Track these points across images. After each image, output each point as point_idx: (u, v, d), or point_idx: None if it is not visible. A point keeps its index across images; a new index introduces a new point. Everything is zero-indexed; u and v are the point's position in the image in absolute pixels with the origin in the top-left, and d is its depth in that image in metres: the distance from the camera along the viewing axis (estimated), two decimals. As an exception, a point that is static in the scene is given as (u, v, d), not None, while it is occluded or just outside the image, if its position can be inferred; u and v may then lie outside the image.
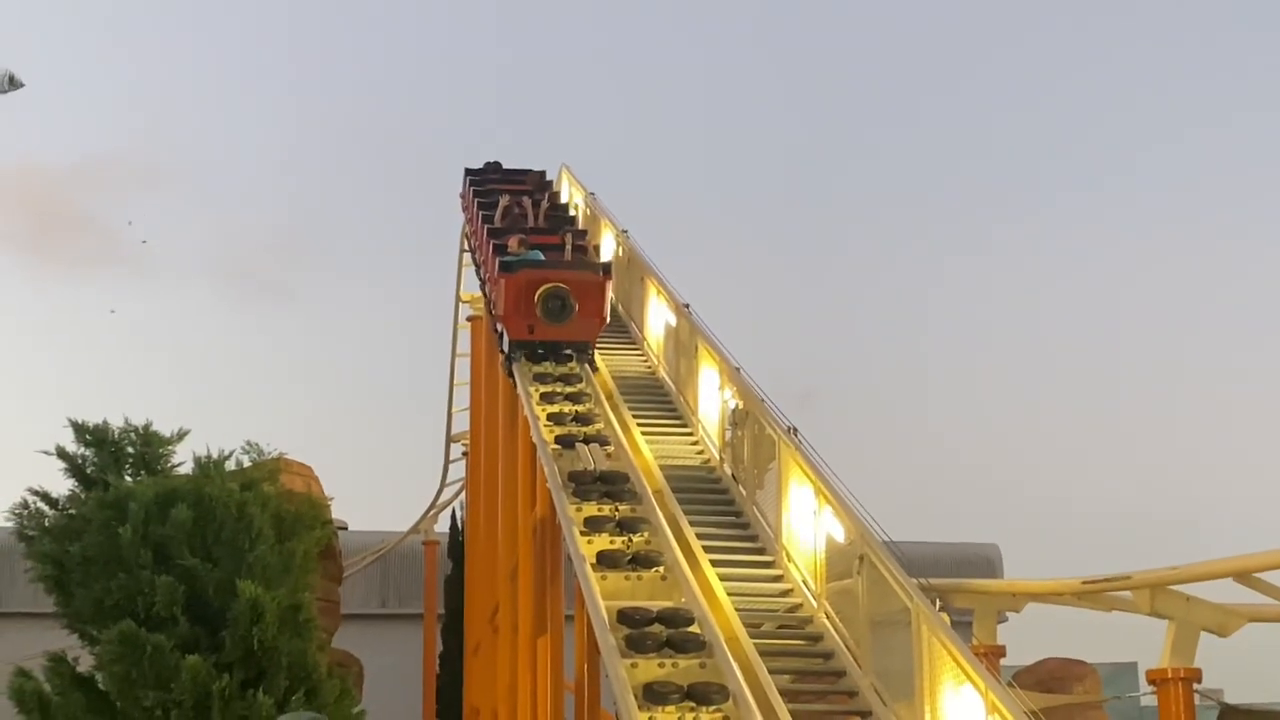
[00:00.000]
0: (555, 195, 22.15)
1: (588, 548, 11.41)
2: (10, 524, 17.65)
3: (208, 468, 17.62)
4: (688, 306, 17.41)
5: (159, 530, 16.40)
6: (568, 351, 16.23)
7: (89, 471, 17.64)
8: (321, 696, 16.14)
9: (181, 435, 18.28)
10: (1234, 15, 57.48)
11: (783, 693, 10.60)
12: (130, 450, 17.87)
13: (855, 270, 57.87)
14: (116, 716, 15.85)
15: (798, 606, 12.51)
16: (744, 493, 14.48)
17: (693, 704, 9.07)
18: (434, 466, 31.71)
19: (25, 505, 17.44)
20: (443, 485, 31.81)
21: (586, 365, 16.21)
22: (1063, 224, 59.51)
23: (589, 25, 60.26)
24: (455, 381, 29.85)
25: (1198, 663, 15.64)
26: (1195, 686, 15.60)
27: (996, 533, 41.32)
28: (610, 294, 17.01)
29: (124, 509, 16.55)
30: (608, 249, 21.56)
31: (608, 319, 16.94)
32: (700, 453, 15.85)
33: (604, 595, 10.56)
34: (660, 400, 17.49)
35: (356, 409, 52.99)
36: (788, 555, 13.02)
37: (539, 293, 16.04)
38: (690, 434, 16.31)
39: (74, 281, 59.24)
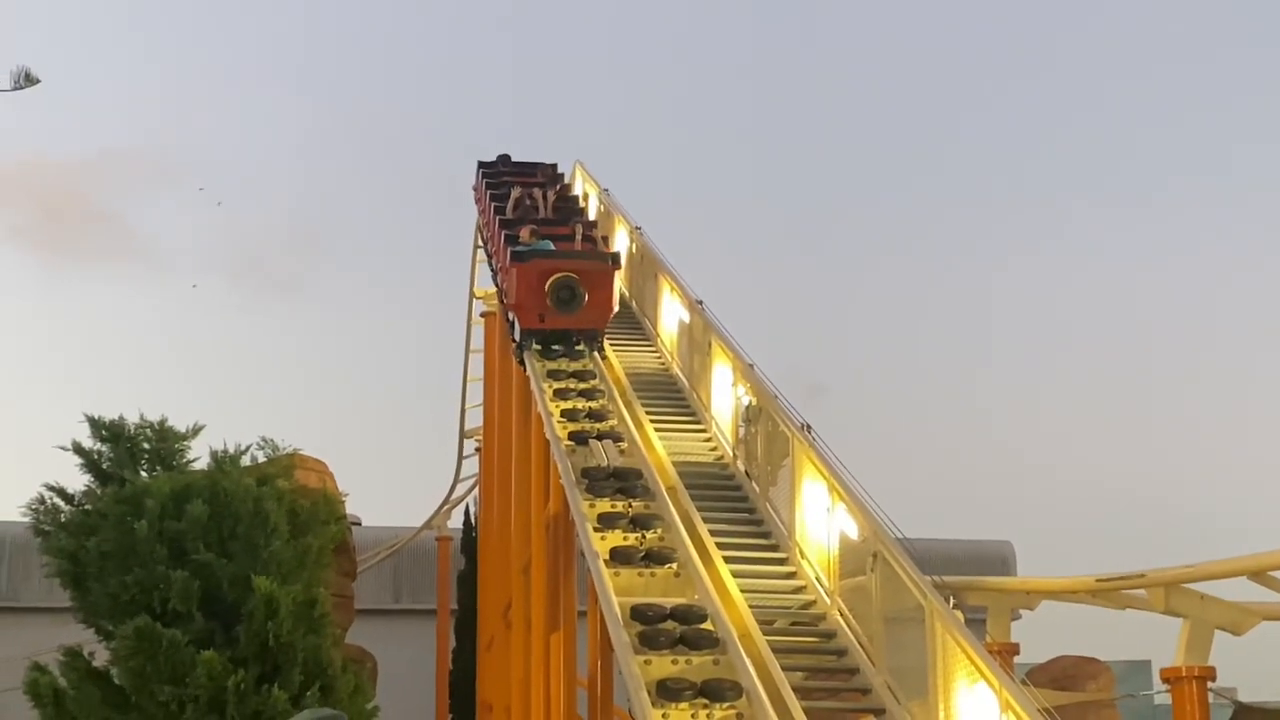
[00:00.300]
0: (566, 187, 22.41)
1: (601, 544, 11.43)
2: (26, 519, 17.71)
3: (223, 463, 17.65)
4: (701, 303, 17.43)
5: (174, 525, 16.44)
6: (577, 340, 16.49)
7: (105, 467, 17.68)
8: (336, 692, 16.17)
9: (197, 431, 18.32)
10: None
11: (796, 690, 10.61)
12: (146, 446, 17.91)
13: (867, 267, 57.92)
14: (131, 711, 15.88)
15: (811, 603, 12.52)
16: (757, 489, 14.49)
17: (706, 701, 9.08)
18: (447, 462, 31.77)
19: (41, 500, 17.49)
20: (456, 481, 31.86)
21: (598, 358, 16.37)
22: (1080, 219, 59.45)
23: (602, 22, 60.30)
24: (469, 377, 29.89)
25: (1212, 661, 15.63)
26: (1209, 685, 15.60)
27: (1011, 530, 41.23)
28: (619, 283, 17.38)
29: (140, 504, 16.59)
30: (621, 245, 21.65)
31: (617, 307, 17.25)
32: (713, 449, 15.86)
33: (617, 591, 10.57)
34: (673, 397, 17.51)
35: (370, 405, 53.13)
36: (801, 552, 13.03)
37: (549, 282, 16.37)
38: (703, 430, 16.32)
39: (87, 277, 59.47)
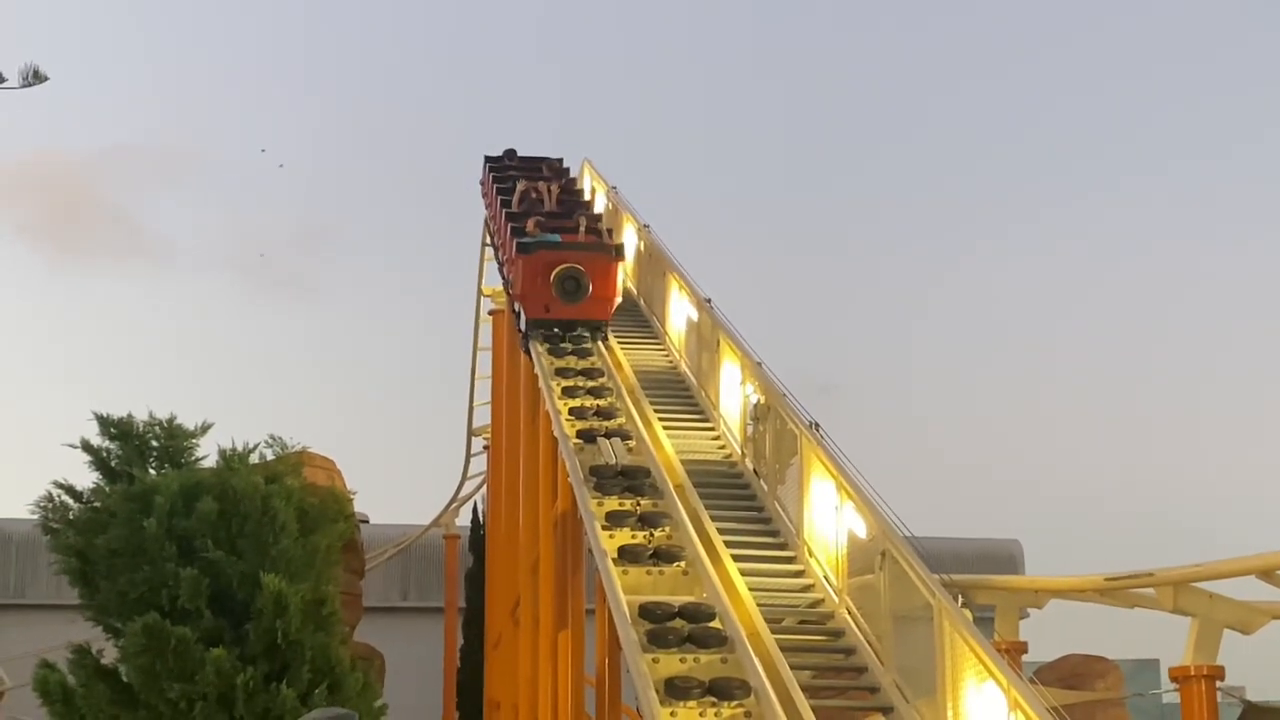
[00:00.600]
0: (572, 181, 22.72)
1: (609, 542, 11.43)
2: (35, 516, 17.73)
3: (232, 461, 17.66)
4: (709, 301, 17.43)
5: (183, 523, 16.46)
6: (582, 330, 16.80)
7: (113, 464, 17.70)
8: (344, 690, 16.19)
9: (205, 428, 18.33)
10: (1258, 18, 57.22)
11: (804, 688, 10.59)
12: (155, 443, 17.93)
13: (876, 265, 57.82)
14: (140, 709, 15.91)
15: (819, 602, 12.51)
16: (765, 488, 14.48)
17: (714, 699, 9.08)
18: (455, 460, 31.86)
19: (50, 498, 17.51)
20: (464, 479, 31.91)
21: (603, 350, 16.53)
22: (1094, 215, 59.37)
23: (611, 21, 60.27)
24: (477, 375, 29.92)
25: (1220, 660, 15.59)
26: (1218, 684, 15.56)
27: (1019, 528, 41.12)
28: (623, 274, 17.84)
29: (149, 502, 16.62)
30: (629, 243, 21.73)
31: (620, 298, 17.61)
32: (722, 447, 15.85)
33: (625, 590, 10.57)
34: (682, 395, 17.50)
35: (378, 402, 53.15)
36: (809, 550, 13.02)
37: (554, 273, 16.78)
38: (712, 428, 16.31)
39: (95, 274, 59.59)
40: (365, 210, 60.51)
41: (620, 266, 17.57)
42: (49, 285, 57.66)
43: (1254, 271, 56.83)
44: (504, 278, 20.35)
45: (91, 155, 62.31)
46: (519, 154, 23.29)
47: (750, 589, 12.38)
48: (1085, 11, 59.21)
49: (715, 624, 9.93)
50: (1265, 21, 54.03)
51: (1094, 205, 59.60)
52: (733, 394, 15.88)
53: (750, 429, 15.17)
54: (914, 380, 55.05)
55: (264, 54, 60.73)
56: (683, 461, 15.10)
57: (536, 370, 16.52)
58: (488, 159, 23.47)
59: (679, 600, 10.29)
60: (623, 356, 18.19)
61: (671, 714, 8.97)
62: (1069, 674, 20.10)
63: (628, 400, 15.06)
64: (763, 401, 14.77)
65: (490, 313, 26.91)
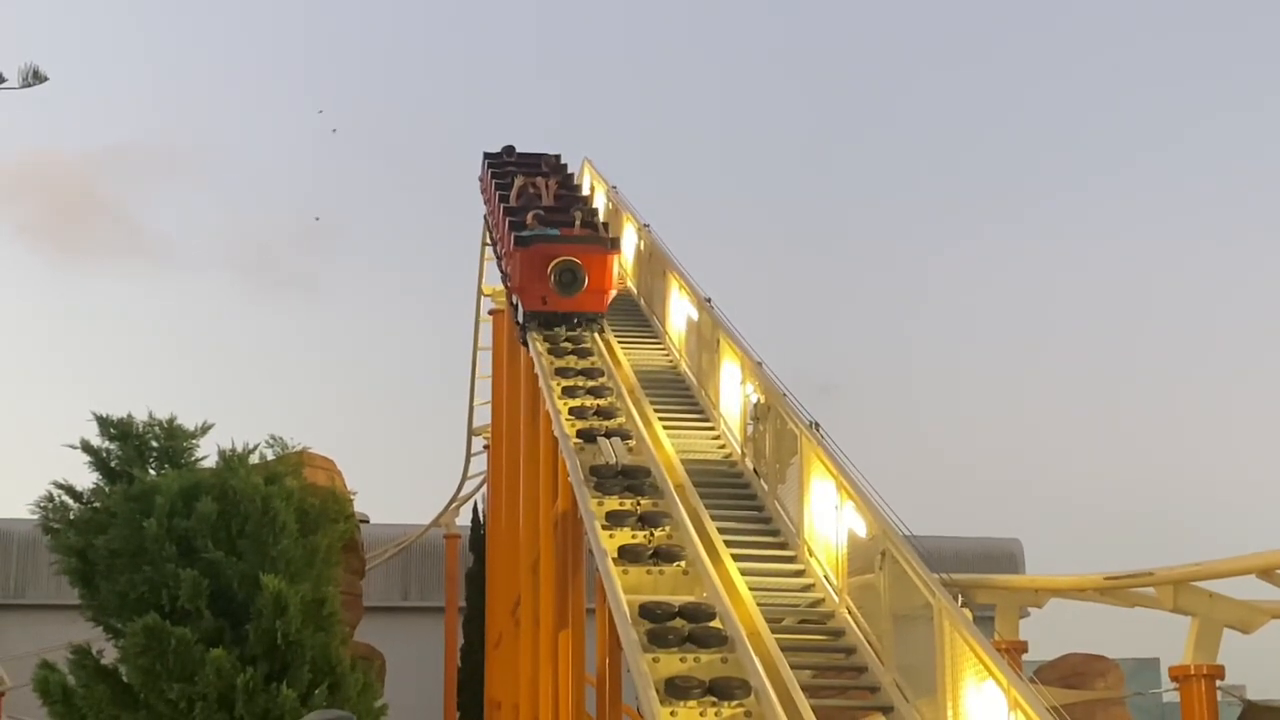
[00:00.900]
0: (569, 177, 22.91)
1: (609, 542, 11.43)
2: (35, 517, 17.74)
3: (232, 461, 17.67)
4: (710, 300, 17.43)
5: (183, 524, 16.47)
6: (578, 321, 17.09)
7: (113, 465, 17.72)
8: (344, 690, 16.19)
9: (205, 429, 18.35)
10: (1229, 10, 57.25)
11: (804, 688, 10.59)
12: (154, 444, 17.94)
13: (874, 265, 57.82)
14: (140, 709, 15.91)
15: (820, 601, 12.51)
16: (766, 487, 14.47)
17: (714, 699, 9.08)
18: (455, 460, 31.83)
19: (50, 498, 17.53)
20: (464, 479, 31.89)
21: (599, 341, 16.75)
22: (1090, 221, 59.36)
23: (611, 21, 60.28)
24: (477, 375, 29.90)
25: (1220, 659, 15.60)
26: (1218, 683, 15.56)
27: (1019, 527, 41.17)
28: (619, 267, 18.26)
29: (149, 502, 16.63)
30: (629, 243, 21.78)
31: (616, 290, 17.96)
32: (722, 447, 15.85)
33: (625, 589, 10.56)
34: (682, 394, 17.50)
35: (378, 402, 53.16)
36: (809, 550, 13.02)
37: (551, 265, 17.05)
38: (712, 428, 16.31)
39: (95, 273, 59.57)
40: (365, 209, 60.55)
41: (616, 259, 17.93)
42: (49, 285, 57.73)
43: (1256, 271, 56.86)
44: (502, 271, 20.55)
45: (91, 155, 62.34)
46: (517, 150, 23.48)
47: (750, 588, 12.38)
48: (1086, 12, 59.21)
49: (715, 624, 9.93)
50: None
51: (1097, 204, 59.66)
52: (733, 393, 15.88)
53: (750, 428, 15.17)
54: (914, 379, 55.11)
55: (264, 54, 60.80)
56: (683, 461, 15.10)
57: (536, 370, 16.53)
58: (486, 155, 23.71)
59: (679, 600, 10.29)
60: (623, 356, 18.21)
61: (672, 713, 8.97)
62: (1069, 673, 20.08)
63: (628, 400, 15.06)
64: (763, 401, 14.77)
65: (490, 312, 26.89)
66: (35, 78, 18.20)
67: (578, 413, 14.49)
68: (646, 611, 10.01)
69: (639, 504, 12.09)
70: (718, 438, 16.06)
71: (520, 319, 17.73)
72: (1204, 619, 15.58)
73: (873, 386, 54.34)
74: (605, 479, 12.60)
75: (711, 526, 13.40)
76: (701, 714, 9.02)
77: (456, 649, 30.40)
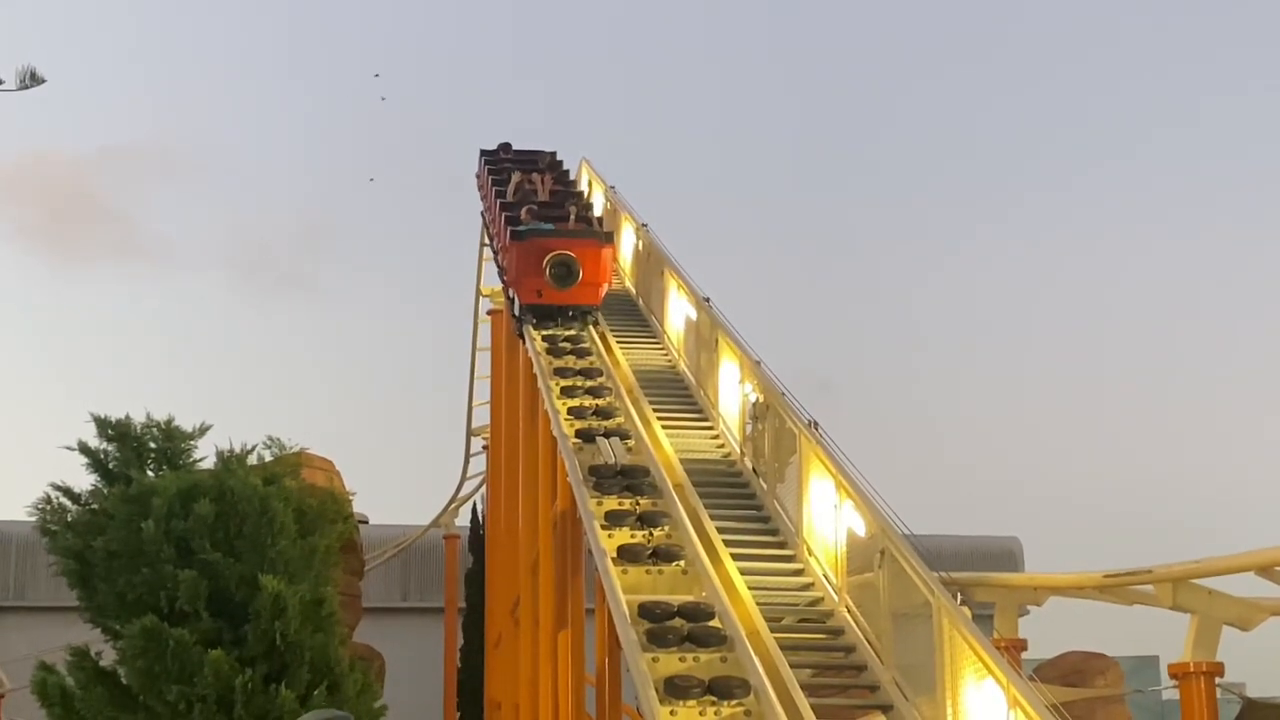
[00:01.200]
0: (565, 173, 23.19)
1: (609, 542, 11.42)
2: (33, 518, 17.72)
3: (230, 462, 17.66)
4: (708, 300, 17.42)
5: (181, 525, 16.45)
6: (573, 314, 17.43)
7: (111, 466, 17.70)
8: (343, 691, 16.18)
9: (203, 430, 18.34)
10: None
11: (804, 687, 10.58)
12: (152, 445, 17.93)
13: (874, 264, 57.83)
14: (139, 711, 15.90)
15: (819, 600, 12.49)
16: (765, 486, 14.46)
17: (714, 698, 9.08)
18: (455, 460, 31.83)
19: (48, 500, 17.52)
20: (463, 479, 31.89)
21: (604, 352, 16.66)
22: (1092, 220, 59.39)
23: (609, 20, 60.28)
24: (476, 375, 29.90)
25: (1220, 657, 15.59)
26: (1217, 680, 15.57)
27: (1018, 526, 41.13)
28: (613, 261, 18.69)
29: (147, 504, 16.61)
30: (628, 242, 21.80)
31: (610, 284, 18.36)
32: (721, 446, 15.83)
33: (625, 589, 10.56)
34: (681, 394, 17.48)
35: (377, 403, 53.19)
36: (809, 549, 13.00)
37: (547, 259, 17.37)
38: (711, 428, 16.29)
39: (93, 275, 59.55)
40: (363, 210, 60.62)
41: (610, 253, 18.28)
42: (47, 285, 57.73)
43: (1259, 271, 56.87)
44: (499, 265, 20.82)
45: (90, 155, 62.42)
46: (513, 147, 23.70)
47: (750, 588, 12.36)
48: (1086, 12, 59.25)
49: (715, 623, 9.92)
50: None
51: (1097, 204, 59.66)
52: (732, 393, 15.86)
53: (749, 428, 15.15)
54: (913, 378, 55.10)
55: (262, 54, 60.79)
56: (682, 461, 15.07)
57: (535, 370, 16.53)
58: (483, 152, 24.01)
59: (678, 599, 10.28)
60: (621, 355, 18.19)
61: (671, 713, 8.97)
62: (1069, 671, 20.07)
63: (626, 400, 15.05)
64: (761, 400, 14.75)
65: (489, 313, 26.89)
66: (33, 79, 18.16)
67: (576, 413, 14.48)
68: (646, 611, 10.00)
69: (638, 504, 12.09)
70: (716, 437, 16.04)
71: (516, 312, 18.00)
72: (1203, 616, 15.59)
73: (871, 385, 54.39)
74: (604, 479, 12.60)
75: (710, 526, 13.38)
76: (701, 713, 9.01)
77: (456, 649, 30.39)
